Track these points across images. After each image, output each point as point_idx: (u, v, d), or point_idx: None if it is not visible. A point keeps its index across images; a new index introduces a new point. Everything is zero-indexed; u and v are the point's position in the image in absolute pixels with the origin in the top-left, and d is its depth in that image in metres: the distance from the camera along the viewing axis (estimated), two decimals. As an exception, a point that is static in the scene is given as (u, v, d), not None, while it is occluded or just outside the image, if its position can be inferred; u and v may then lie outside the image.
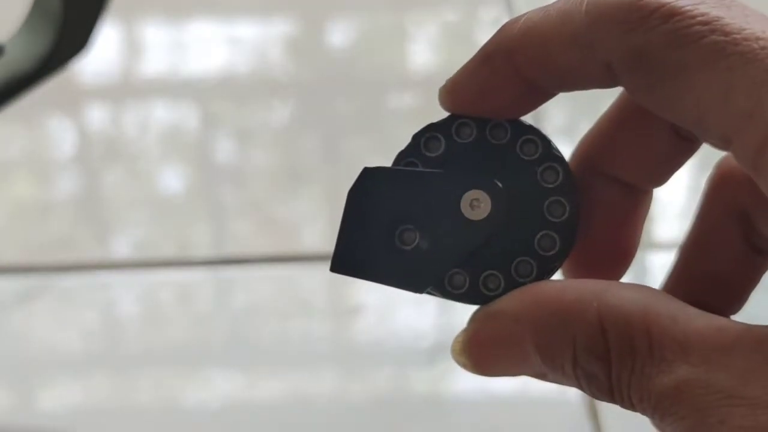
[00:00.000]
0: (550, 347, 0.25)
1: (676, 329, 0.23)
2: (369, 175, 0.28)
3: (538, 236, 0.28)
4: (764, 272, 0.30)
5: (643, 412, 0.24)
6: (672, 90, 0.24)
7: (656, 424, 0.24)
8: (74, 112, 0.97)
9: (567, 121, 0.98)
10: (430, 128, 0.28)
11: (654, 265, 0.83)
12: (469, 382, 0.74)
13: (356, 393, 0.73)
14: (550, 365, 0.26)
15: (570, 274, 0.30)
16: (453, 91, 0.28)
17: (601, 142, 0.29)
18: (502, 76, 0.27)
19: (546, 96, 0.28)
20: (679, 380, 0.23)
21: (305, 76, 1.05)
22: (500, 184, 0.28)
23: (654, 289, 0.25)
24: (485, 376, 0.28)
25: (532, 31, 0.26)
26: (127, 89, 1.02)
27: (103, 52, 0.97)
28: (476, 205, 0.27)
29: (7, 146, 0.94)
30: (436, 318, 0.77)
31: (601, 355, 0.24)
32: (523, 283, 0.27)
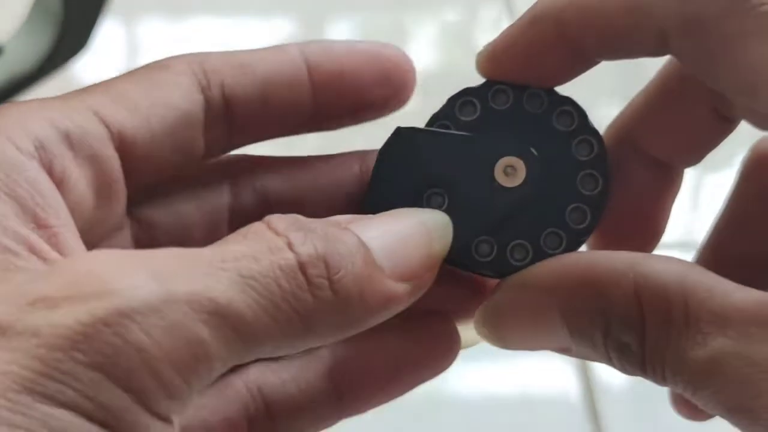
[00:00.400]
0: (581, 317, 0.25)
1: (714, 302, 0.23)
2: (401, 135, 0.27)
3: (569, 208, 0.27)
4: None
5: (675, 386, 0.24)
6: (727, 58, 0.24)
7: (689, 397, 0.24)
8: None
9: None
10: (466, 92, 0.28)
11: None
12: (469, 382, 0.73)
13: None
14: (578, 337, 0.25)
15: (596, 249, 0.29)
16: (494, 55, 0.27)
17: (639, 117, 0.29)
18: (550, 39, 0.26)
19: (589, 64, 0.27)
20: (715, 353, 0.22)
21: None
22: (536, 153, 0.27)
23: (690, 263, 0.25)
24: (506, 348, 0.27)
25: None
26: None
27: (104, 51, 0.97)
28: (511, 171, 0.27)
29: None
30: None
31: (635, 325, 0.24)
32: (552, 255, 0.27)
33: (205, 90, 0.26)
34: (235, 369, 0.26)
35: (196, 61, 0.26)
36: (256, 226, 0.23)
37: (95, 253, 0.22)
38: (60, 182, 0.24)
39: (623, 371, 0.25)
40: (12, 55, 0.57)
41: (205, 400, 0.26)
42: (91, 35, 0.57)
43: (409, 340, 0.27)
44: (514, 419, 0.71)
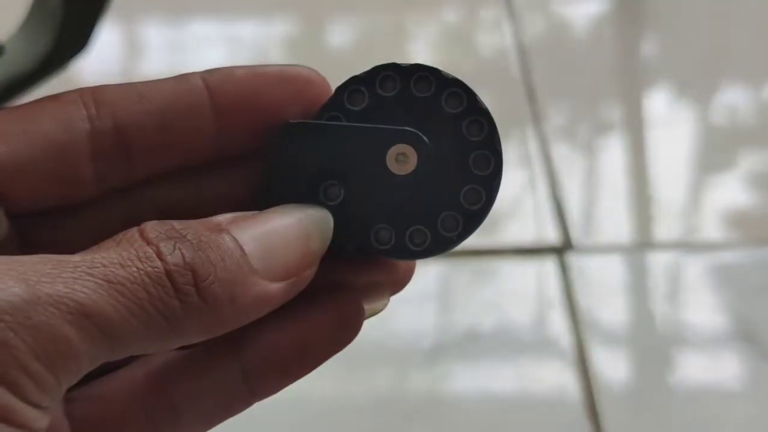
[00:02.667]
0: None
1: None
2: (291, 129, 0.27)
3: (464, 190, 0.27)
4: None
5: None
6: None
7: None
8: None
9: (567, 121, 0.98)
10: (354, 81, 0.28)
11: (654, 265, 0.83)
12: (469, 382, 0.74)
13: (356, 393, 0.73)
14: None
15: None
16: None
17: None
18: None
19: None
20: None
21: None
22: (426, 138, 0.27)
23: None
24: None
25: None
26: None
27: (104, 52, 0.97)
28: (402, 159, 0.27)
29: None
30: (436, 318, 0.77)
31: None
32: (450, 238, 0.27)
33: (93, 120, 0.27)
34: (135, 358, 0.27)
35: (88, 92, 0.27)
36: (130, 233, 0.24)
37: None
38: None
39: None
40: (12, 55, 0.57)
41: (103, 392, 0.27)
42: (91, 35, 0.57)
43: (314, 316, 0.28)
44: (513, 419, 0.71)
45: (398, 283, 0.29)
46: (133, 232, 0.24)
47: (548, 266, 0.82)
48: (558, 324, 0.77)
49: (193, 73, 0.28)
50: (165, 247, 0.24)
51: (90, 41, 0.57)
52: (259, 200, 0.27)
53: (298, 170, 0.27)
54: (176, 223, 0.24)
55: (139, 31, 1.12)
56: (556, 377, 0.74)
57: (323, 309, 0.28)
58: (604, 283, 0.81)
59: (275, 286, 0.25)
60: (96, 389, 0.27)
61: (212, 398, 0.27)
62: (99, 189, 0.27)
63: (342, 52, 1.10)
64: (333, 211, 0.27)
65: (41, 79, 0.57)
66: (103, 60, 0.99)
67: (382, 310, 0.29)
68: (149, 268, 0.23)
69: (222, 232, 0.25)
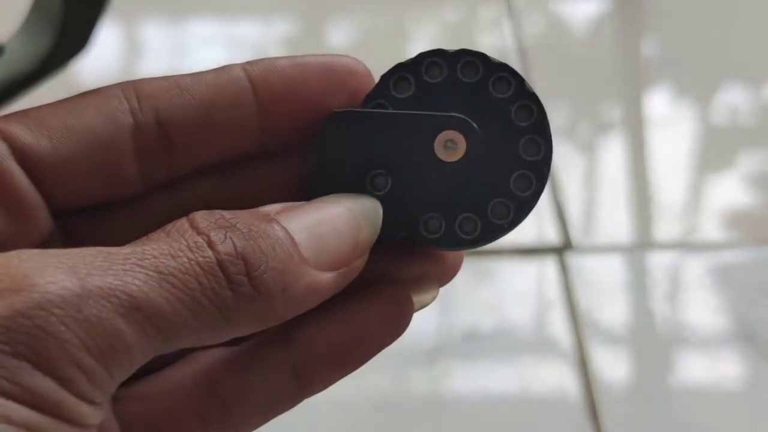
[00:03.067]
0: None
1: None
2: (337, 118, 0.27)
3: (514, 176, 0.27)
4: None
5: None
6: None
7: None
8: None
9: (567, 121, 0.98)
10: (399, 68, 0.28)
11: (654, 265, 0.83)
12: (469, 382, 0.74)
13: (356, 393, 0.73)
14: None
15: None
16: None
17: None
18: None
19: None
20: None
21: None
22: (474, 124, 0.27)
23: None
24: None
25: None
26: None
27: (103, 52, 0.97)
28: (451, 146, 0.26)
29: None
30: (436, 318, 0.77)
31: None
32: (500, 225, 0.27)
33: (135, 114, 0.26)
34: (182, 357, 0.27)
35: (130, 86, 0.27)
36: (179, 224, 0.24)
37: (15, 252, 0.22)
38: None
39: None
40: (12, 55, 0.57)
41: (151, 390, 0.27)
42: (91, 35, 0.57)
43: (362, 310, 0.27)
44: (513, 419, 0.71)
45: (447, 274, 0.28)
46: (183, 222, 0.24)
47: (548, 266, 0.82)
48: (558, 324, 0.77)
49: (235, 65, 0.27)
50: (216, 237, 0.23)
51: (90, 41, 0.57)
52: (307, 191, 0.26)
53: (344, 160, 0.27)
54: (226, 213, 0.24)
55: (138, 31, 1.12)
56: (556, 377, 0.73)
57: (372, 302, 0.27)
58: (604, 283, 0.81)
59: (326, 276, 0.24)
60: (144, 388, 0.27)
61: (262, 394, 0.27)
62: (142, 184, 0.27)
63: (342, 51, 1.10)
64: (380, 200, 0.26)
65: (41, 79, 0.57)
66: (103, 60, 0.99)
67: (431, 302, 0.28)
68: (201, 258, 0.23)
69: (272, 222, 0.24)
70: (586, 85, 1.03)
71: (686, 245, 0.85)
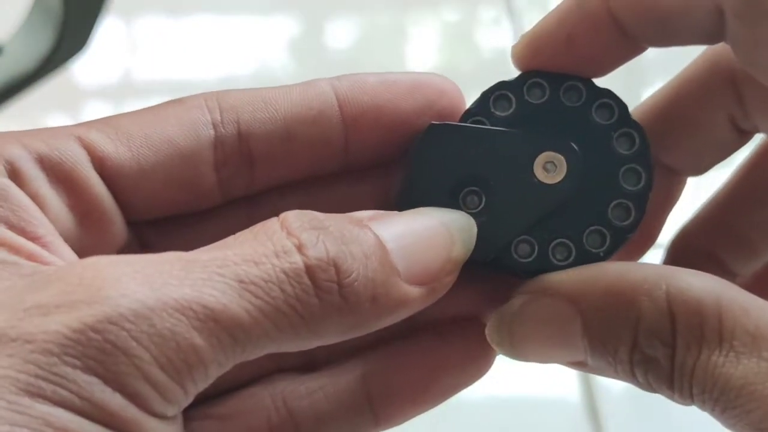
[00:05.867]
0: (605, 329, 0.24)
1: (749, 320, 0.22)
2: (435, 131, 0.26)
3: (612, 205, 0.26)
4: None
5: (702, 404, 0.23)
6: None
7: (716, 417, 0.23)
8: (74, 112, 0.97)
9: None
10: (501, 86, 0.27)
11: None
12: (469, 382, 0.74)
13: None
14: (599, 349, 0.24)
15: None
16: (534, 41, 0.26)
17: (652, 117, 0.28)
18: (596, 21, 0.25)
19: (637, 50, 0.26)
20: (748, 373, 0.22)
21: (306, 75, 1.04)
22: (577, 147, 0.26)
23: (723, 280, 0.24)
24: (518, 359, 0.26)
25: None
26: (127, 89, 1.02)
27: (103, 51, 0.97)
28: (551, 167, 0.26)
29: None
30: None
31: (665, 340, 0.23)
32: (596, 254, 0.26)
33: (217, 126, 0.26)
34: (259, 379, 0.26)
35: (213, 97, 0.26)
36: (269, 224, 0.23)
37: (92, 259, 0.22)
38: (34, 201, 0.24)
39: (647, 387, 0.24)
40: (12, 55, 0.57)
41: (229, 411, 0.26)
42: (91, 35, 0.57)
43: (444, 346, 0.26)
44: (514, 420, 0.71)
45: None
46: (273, 221, 0.23)
47: (548, 266, 0.82)
48: (558, 324, 0.77)
49: (321, 80, 0.27)
50: (308, 239, 0.22)
51: (90, 41, 0.57)
52: (397, 203, 0.26)
53: (439, 174, 0.26)
54: (319, 214, 0.23)
55: (138, 30, 1.12)
56: (557, 377, 0.73)
57: (457, 340, 0.26)
58: (604, 283, 0.81)
59: (415, 290, 0.23)
60: (221, 409, 0.26)
61: (337, 423, 0.26)
62: (221, 197, 0.26)
63: (342, 51, 1.10)
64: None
65: (41, 79, 0.57)
66: (103, 59, 0.99)
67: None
68: (286, 264, 0.22)
69: (365, 228, 0.23)
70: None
71: (686, 245, 0.85)
